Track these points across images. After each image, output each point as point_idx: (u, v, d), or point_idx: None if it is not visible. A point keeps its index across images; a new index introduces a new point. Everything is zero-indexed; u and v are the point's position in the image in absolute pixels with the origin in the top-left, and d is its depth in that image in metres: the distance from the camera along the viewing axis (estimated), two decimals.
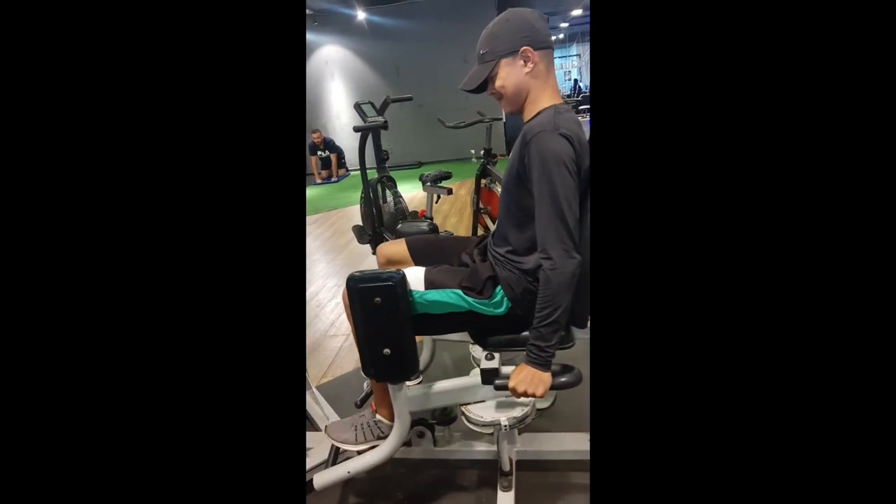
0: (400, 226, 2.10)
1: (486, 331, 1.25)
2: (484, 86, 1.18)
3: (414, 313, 1.20)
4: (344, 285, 1.18)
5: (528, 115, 1.17)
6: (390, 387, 1.27)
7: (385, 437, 1.34)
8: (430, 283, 1.21)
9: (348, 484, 1.49)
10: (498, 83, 1.16)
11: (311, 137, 7.70)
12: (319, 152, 7.80)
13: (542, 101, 1.16)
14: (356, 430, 1.37)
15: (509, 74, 1.14)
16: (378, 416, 1.37)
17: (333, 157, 7.91)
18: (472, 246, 1.38)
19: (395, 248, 1.46)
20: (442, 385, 1.32)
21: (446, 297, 1.20)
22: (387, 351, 1.19)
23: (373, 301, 1.15)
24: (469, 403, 1.39)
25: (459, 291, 1.20)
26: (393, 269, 1.44)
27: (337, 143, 8.04)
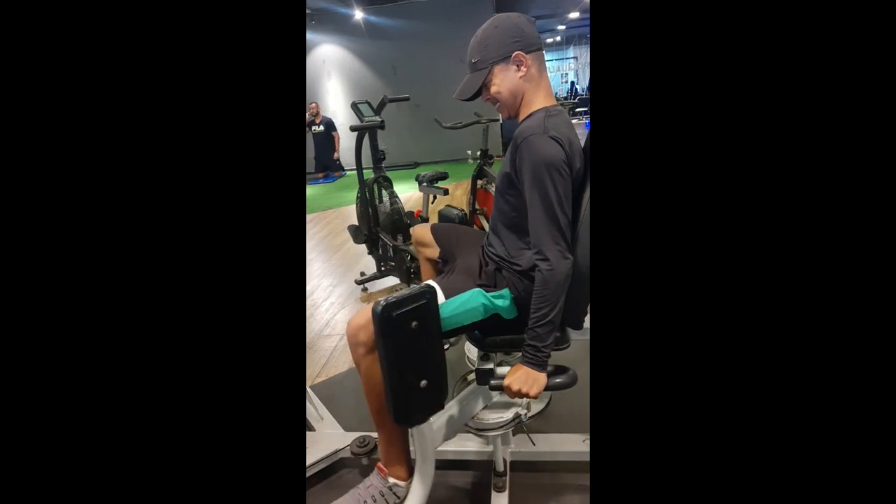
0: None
1: (488, 331, 1.24)
2: (478, 93, 1.19)
3: (445, 330, 1.11)
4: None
5: (521, 117, 1.18)
6: (414, 428, 1.10)
7: (403, 500, 1.15)
8: (448, 292, 1.17)
9: (341, 486, 1.48)
10: (493, 90, 1.16)
11: (309, 111, 7.68)
12: (314, 127, 7.80)
13: (535, 103, 1.17)
14: None
15: (504, 80, 1.15)
16: (392, 480, 1.19)
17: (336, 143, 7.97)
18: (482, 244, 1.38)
19: (424, 231, 1.57)
20: (460, 402, 1.21)
21: (471, 302, 1.15)
22: (424, 382, 1.02)
23: (410, 327, 0.99)
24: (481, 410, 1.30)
25: (480, 290, 1.18)
26: (421, 250, 1.57)
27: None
